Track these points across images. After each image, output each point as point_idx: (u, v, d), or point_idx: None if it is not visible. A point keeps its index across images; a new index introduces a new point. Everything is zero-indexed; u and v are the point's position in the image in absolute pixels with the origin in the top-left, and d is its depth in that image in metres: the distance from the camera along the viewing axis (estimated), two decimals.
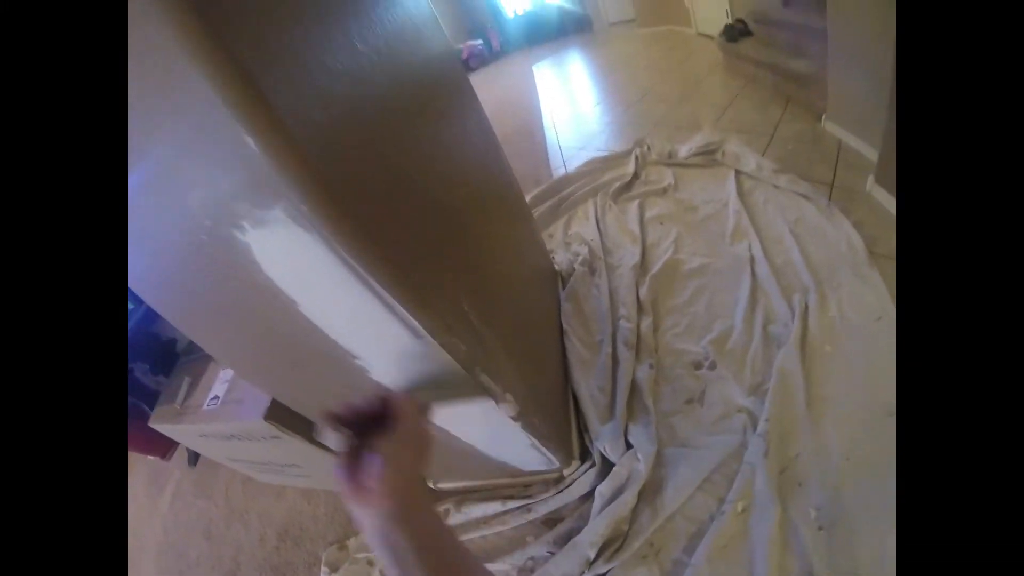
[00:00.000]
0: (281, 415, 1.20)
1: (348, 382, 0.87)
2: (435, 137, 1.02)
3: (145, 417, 1.75)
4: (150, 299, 0.88)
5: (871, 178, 1.81)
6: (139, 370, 2.25)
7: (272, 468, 1.65)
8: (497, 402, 0.90)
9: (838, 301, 1.45)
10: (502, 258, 1.31)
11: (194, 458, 2.40)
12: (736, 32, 3.68)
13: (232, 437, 1.40)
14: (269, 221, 0.55)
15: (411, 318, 0.67)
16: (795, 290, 1.52)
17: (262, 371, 1.06)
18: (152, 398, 1.88)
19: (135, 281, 0.82)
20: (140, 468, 2.66)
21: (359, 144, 0.66)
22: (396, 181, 0.75)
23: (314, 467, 1.49)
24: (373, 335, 0.74)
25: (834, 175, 1.99)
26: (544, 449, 1.15)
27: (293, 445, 1.28)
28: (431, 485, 1.51)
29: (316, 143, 0.54)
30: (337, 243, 0.56)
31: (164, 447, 2.55)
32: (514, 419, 0.97)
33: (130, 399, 2.17)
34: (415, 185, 0.83)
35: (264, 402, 1.21)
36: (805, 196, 1.88)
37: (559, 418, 1.32)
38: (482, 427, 1.06)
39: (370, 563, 1.45)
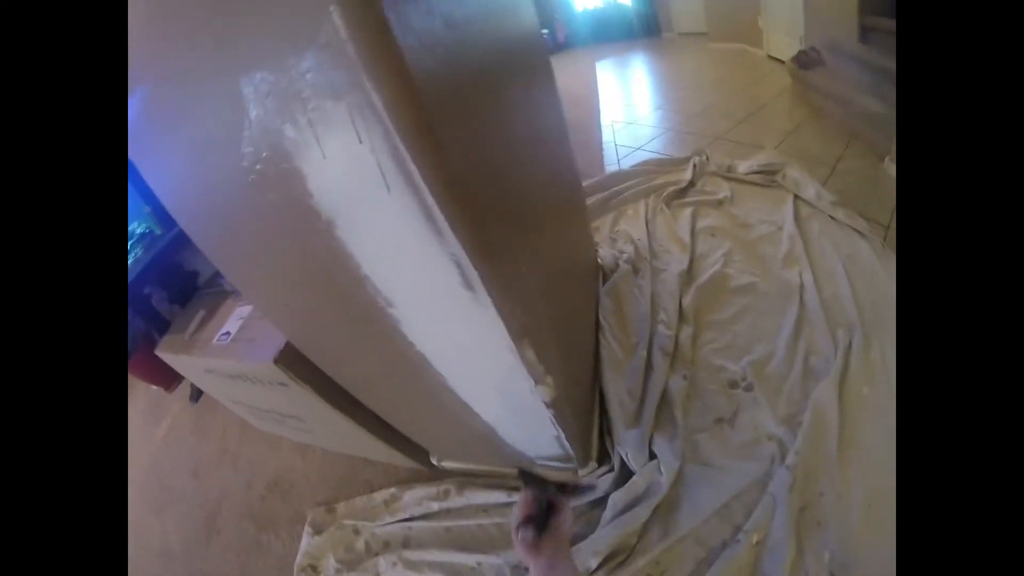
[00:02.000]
0: (293, 362, 1.14)
1: (381, 336, 0.84)
2: (519, 107, 1.00)
3: (154, 344, 1.75)
4: (184, 221, 0.86)
5: None
6: (156, 297, 2.30)
7: (272, 417, 1.62)
8: (536, 383, 0.85)
9: (881, 345, 1.40)
10: (558, 241, 1.28)
11: (196, 395, 2.42)
12: (809, 59, 3.58)
13: (237, 377, 1.35)
14: (331, 120, 0.52)
15: (471, 264, 0.63)
16: (840, 325, 1.48)
17: (287, 308, 1.01)
18: (165, 326, 1.89)
19: (169, 199, 0.81)
20: (141, 396, 2.67)
21: (453, 88, 0.63)
22: (481, 136, 0.73)
23: (316, 423, 1.46)
24: (421, 277, 0.70)
25: (891, 218, 1.92)
26: (567, 444, 1.10)
27: (299, 395, 1.23)
28: (434, 461, 1.48)
29: (414, 57, 0.50)
30: (409, 158, 0.53)
31: (168, 378, 2.56)
32: (548, 405, 0.92)
33: (142, 325, 2.23)
34: (497, 145, 0.81)
35: (277, 345, 1.14)
36: (861, 233, 1.82)
37: (583, 415, 1.28)
38: (508, 408, 1.01)
39: (356, 532, 1.44)
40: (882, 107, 2.54)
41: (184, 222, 0.86)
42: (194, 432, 2.27)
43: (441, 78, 0.58)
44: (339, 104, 0.50)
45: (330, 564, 1.39)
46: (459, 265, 0.64)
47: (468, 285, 0.66)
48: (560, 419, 0.99)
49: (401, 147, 0.51)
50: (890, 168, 2.25)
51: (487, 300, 0.68)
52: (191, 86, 0.59)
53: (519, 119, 1.00)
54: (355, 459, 1.70)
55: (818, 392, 1.30)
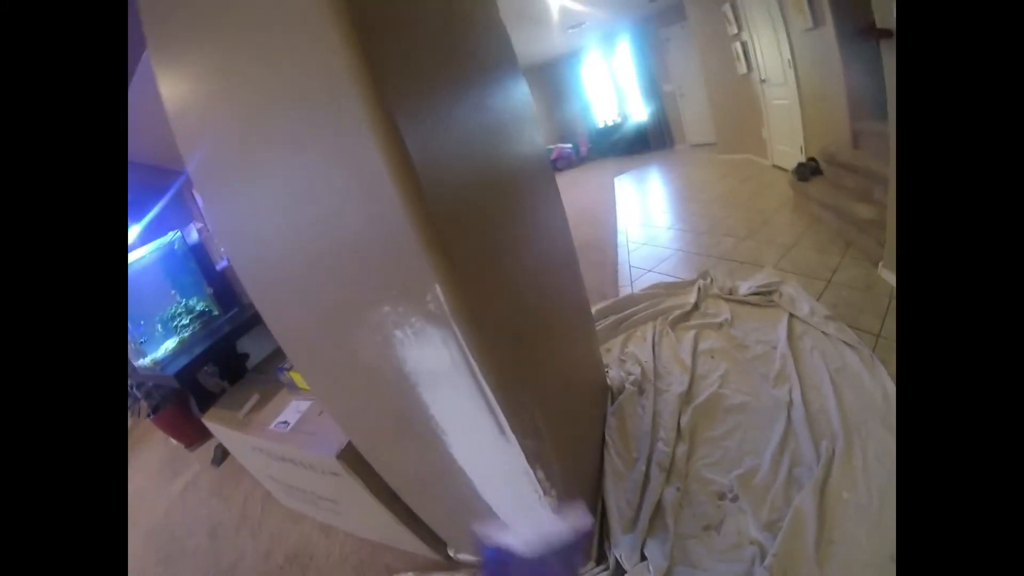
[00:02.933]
0: (351, 458, 1.38)
1: (432, 451, 1.14)
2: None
3: (186, 404, 1.96)
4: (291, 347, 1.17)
5: None
6: (208, 369, 2.47)
7: (306, 496, 1.78)
8: (544, 495, 1.14)
9: (863, 451, 1.55)
10: (565, 365, 1.55)
11: (219, 459, 2.54)
12: (807, 171, 3.80)
13: (288, 461, 1.56)
14: (428, 335, 0.89)
15: (505, 421, 0.98)
16: (824, 437, 1.63)
17: (355, 417, 1.29)
18: (203, 395, 2.13)
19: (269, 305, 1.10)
20: (159, 449, 2.81)
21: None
22: (517, 327, 1.11)
23: (352, 508, 1.63)
24: (469, 421, 1.03)
25: (882, 325, 2.10)
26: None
27: (347, 485, 1.45)
28: (451, 553, 1.65)
29: (480, 311, 0.88)
30: (476, 366, 0.90)
31: (192, 437, 2.74)
32: (554, 512, 1.19)
33: (179, 388, 2.31)
34: (528, 320, 1.19)
35: (339, 443, 1.39)
36: (850, 345, 2.00)
37: None
38: (521, 511, 1.26)
39: None
40: (872, 213, 2.73)
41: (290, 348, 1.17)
42: (214, 494, 2.35)
43: (496, 316, 0.97)
44: (434, 329, 0.87)
45: None
46: (496, 420, 0.99)
47: (500, 431, 1.01)
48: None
49: (471, 359, 0.89)
50: (883, 273, 2.44)
51: (513, 440, 1.02)
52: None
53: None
54: (376, 544, 1.81)
55: (799, 499, 1.43)
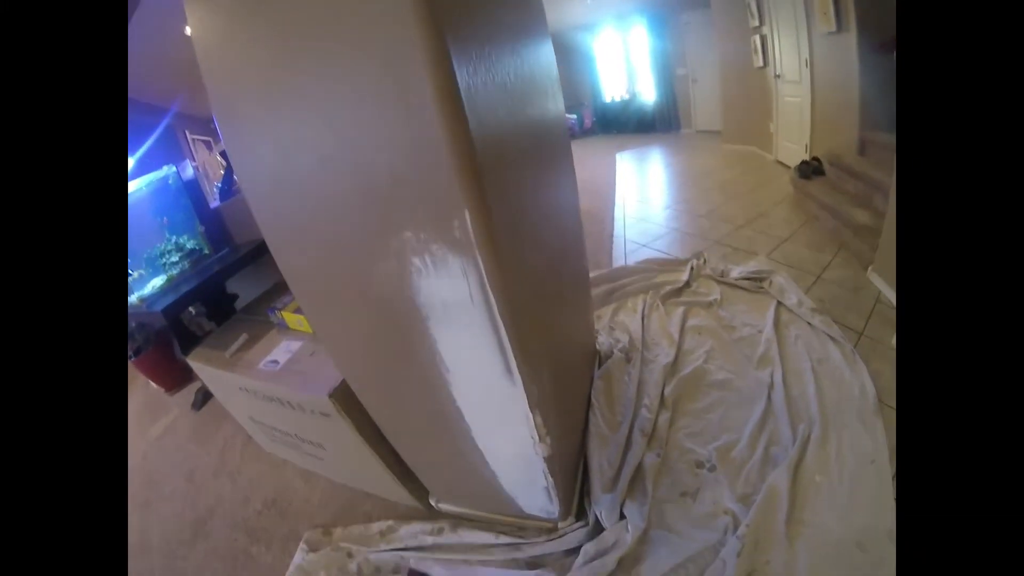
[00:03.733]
0: (343, 397, 1.35)
1: (431, 391, 1.15)
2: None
3: (169, 348, 1.90)
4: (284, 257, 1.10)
5: None
6: (193, 309, 2.42)
7: (289, 440, 1.76)
8: (539, 441, 1.15)
9: (838, 439, 1.59)
10: (566, 325, 1.56)
11: (200, 403, 2.52)
12: (810, 170, 3.86)
13: (276, 400, 1.52)
14: (447, 263, 0.88)
15: (513, 360, 0.99)
16: (802, 421, 1.67)
17: (354, 353, 1.24)
18: (187, 336, 2.10)
19: (277, 232, 1.05)
20: (139, 393, 2.77)
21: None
22: (531, 263, 1.10)
23: (337, 452, 1.62)
24: (477, 359, 1.03)
25: (865, 325, 2.15)
26: (553, 496, 1.36)
27: (336, 426, 1.42)
28: (433, 503, 1.66)
29: (502, 243, 0.87)
30: (491, 294, 0.90)
31: (172, 381, 2.71)
32: (545, 460, 1.21)
33: (163, 328, 2.35)
34: (539, 259, 1.18)
35: (331, 382, 1.35)
36: (834, 339, 2.04)
37: (569, 476, 1.52)
38: (514, 459, 1.28)
39: (350, 555, 1.57)
40: (870, 219, 2.79)
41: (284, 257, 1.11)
42: (193, 439, 2.33)
43: (517, 256, 0.97)
44: (456, 258, 0.87)
45: None
46: (505, 359, 1.00)
47: (508, 371, 1.02)
48: (551, 473, 1.27)
49: (489, 292, 0.90)
50: (872, 277, 2.49)
51: (519, 382, 1.03)
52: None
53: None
54: (356, 492, 1.82)
55: (773, 476, 1.47)
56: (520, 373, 1.01)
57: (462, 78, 0.74)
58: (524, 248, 1.06)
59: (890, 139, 3.32)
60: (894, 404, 1.69)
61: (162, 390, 2.80)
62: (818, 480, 1.49)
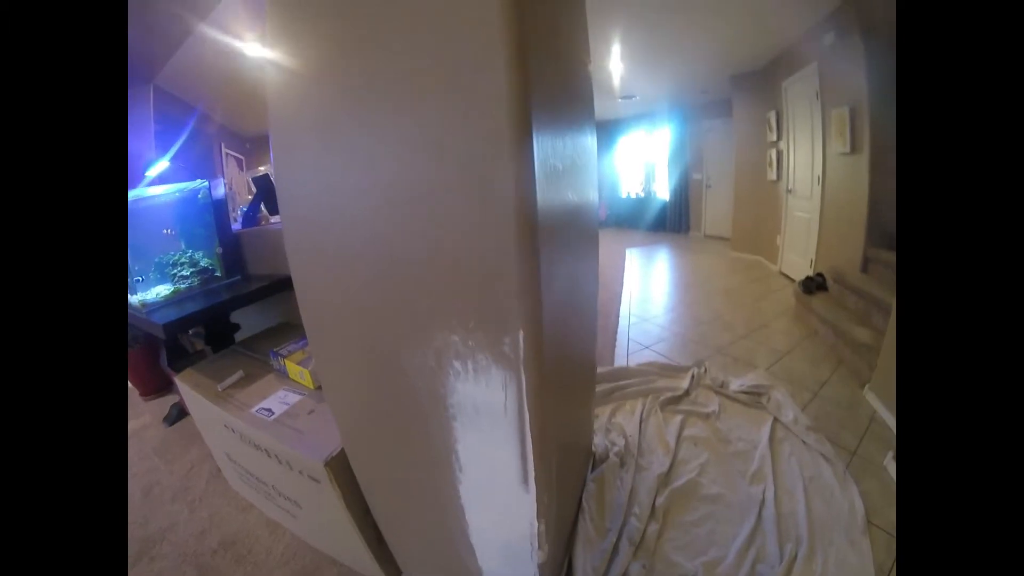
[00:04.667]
0: (338, 468, 1.32)
1: (437, 483, 1.17)
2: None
3: (154, 351, 1.82)
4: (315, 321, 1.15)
5: (890, 454, 2.05)
6: (192, 329, 2.35)
7: (263, 489, 1.68)
8: (538, 548, 1.17)
9: (824, 558, 1.60)
10: (572, 422, 1.58)
11: (173, 419, 2.41)
12: (813, 286, 3.96)
13: (260, 449, 1.46)
14: (489, 373, 0.91)
15: (531, 473, 1.01)
16: (790, 539, 1.69)
17: (362, 426, 1.24)
18: (177, 349, 2.02)
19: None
20: None
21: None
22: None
23: (314, 515, 1.55)
24: (494, 464, 1.04)
25: (859, 444, 2.19)
26: None
27: (322, 493, 1.37)
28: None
29: (546, 367, 0.90)
30: (528, 416, 0.92)
31: (151, 387, 2.61)
32: (539, 567, 1.23)
33: (151, 335, 2.16)
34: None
35: (329, 449, 1.32)
36: (827, 458, 2.08)
37: None
38: (504, 560, 1.29)
39: None
40: (869, 337, 2.86)
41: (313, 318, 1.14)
42: (159, 454, 2.22)
43: (553, 364, 0.99)
44: (499, 371, 0.89)
45: None
46: (524, 468, 1.00)
47: (524, 480, 1.02)
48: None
49: (525, 405, 0.90)
50: (869, 396, 2.54)
51: (532, 490, 1.03)
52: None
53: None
54: (321, 555, 1.71)
55: None
56: (535, 483, 1.02)
57: (539, 167, 0.77)
58: (563, 361, 1.11)
59: (892, 257, 3.44)
60: (881, 524, 1.73)
61: (137, 393, 2.71)
62: None
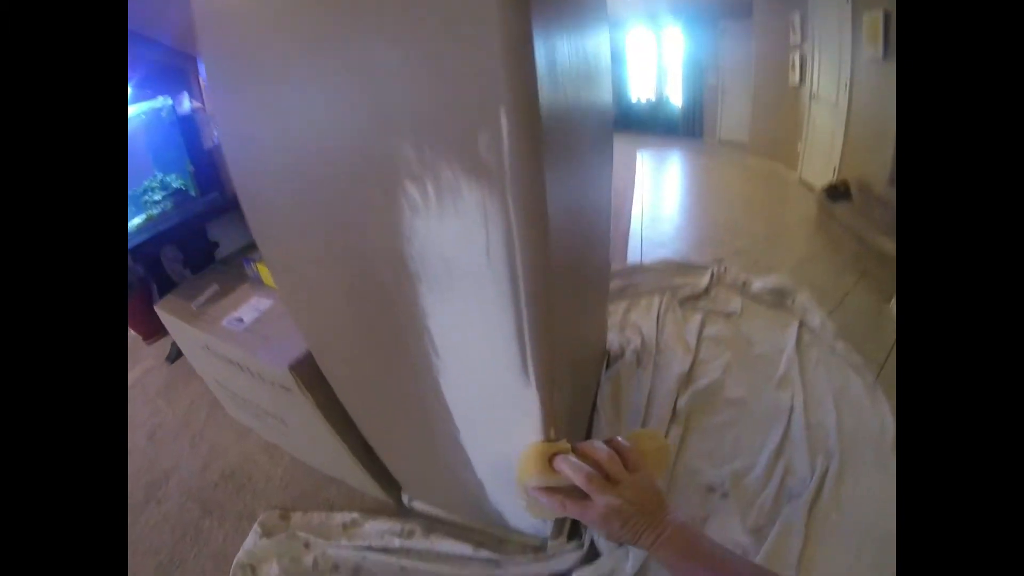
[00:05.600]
0: (305, 371, 1.16)
1: (412, 377, 0.91)
2: (586, 171, 1.06)
3: (148, 295, 1.76)
4: (249, 190, 0.83)
5: None
6: (170, 253, 2.29)
7: (252, 409, 1.61)
8: None
9: (856, 476, 1.48)
10: (582, 321, 1.35)
11: (175, 356, 2.40)
12: (838, 193, 3.78)
13: (235, 364, 1.35)
14: (462, 197, 0.60)
15: (534, 353, 0.73)
16: (820, 452, 1.55)
17: (322, 319, 0.99)
18: (165, 282, 1.98)
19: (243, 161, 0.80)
20: None
21: (563, 189, 0.73)
22: (567, 228, 0.82)
23: (300, 431, 1.46)
24: (481, 345, 0.77)
25: (887, 358, 2.01)
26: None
27: (297, 402, 1.24)
28: (405, 499, 1.49)
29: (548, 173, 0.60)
30: (519, 246, 0.62)
31: (151, 330, 2.57)
32: None
33: (142, 273, 2.24)
34: (575, 232, 0.93)
35: (295, 352, 1.16)
36: (855, 368, 1.91)
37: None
38: (506, 472, 1.03)
39: (307, 546, 1.42)
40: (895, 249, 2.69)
41: (248, 191, 0.83)
42: (162, 394, 2.22)
43: (559, 204, 0.70)
44: (474, 190, 0.59)
45: (272, 570, 1.36)
46: (521, 350, 0.73)
47: (523, 368, 0.75)
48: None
49: (516, 243, 0.61)
50: (893, 311, 2.34)
51: (534, 383, 0.77)
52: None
53: (585, 184, 1.06)
54: (321, 475, 1.68)
55: (789, 510, 1.36)
56: (538, 372, 0.75)
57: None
58: (568, 218, 0.82)
59: None
60: None
61: (140, 337, 2.66)
62: (834, 518, 1.38)
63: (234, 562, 1.40)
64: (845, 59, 4.04)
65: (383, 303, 0.80)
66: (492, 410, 0.88)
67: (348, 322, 0.93)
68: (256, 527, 1.48)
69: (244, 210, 0.85)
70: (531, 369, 0.75)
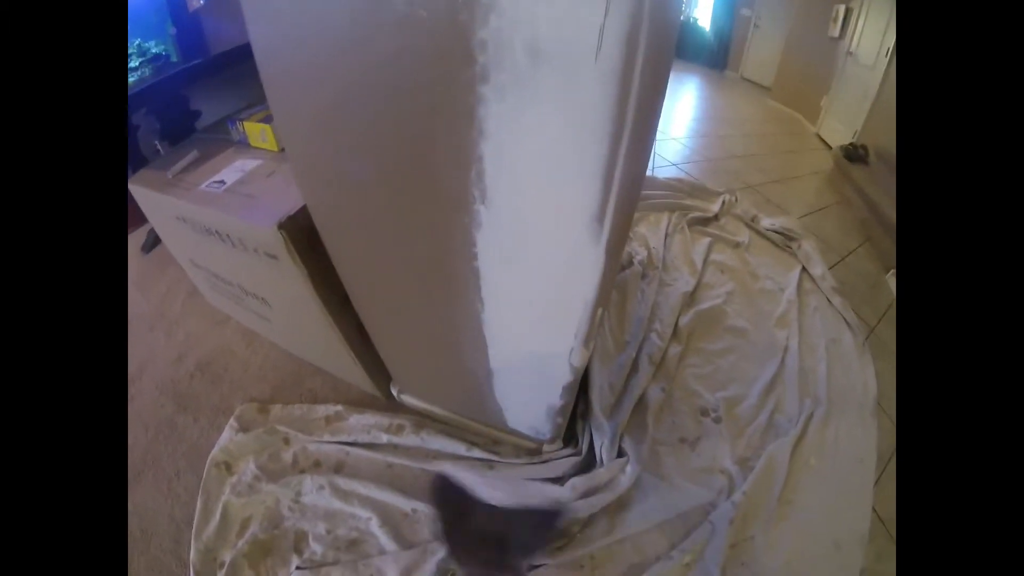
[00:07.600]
0: (297, 234, 0.95)
1: (442, 232, 0.73)
2: None
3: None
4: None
5: None
6: (146, 125, 2.03)
7: (231, 292, 1.46)
8: (582, 344, 0.81)
9: (837, 427, 1.47)
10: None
11: (150, 245, 2.26)
12: (856, 155, 3.70)
13: (215, 234, 1.15)
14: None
15: (614, 197, 0.57)
16: (809, 396, 1.55)
17: (329, 162, 0.74)
18: (140, 160, 1.76)
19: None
20: None
21: None
22: None
23: (283, 312, 1.31)
24: (548, 184, 0.59)
25: (877, 322, 2.03)
26: (553, 416, 1.10)
27: (283, 275, 1.05)
28: (394, 392, 1.38)
29: None
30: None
31: (130, 219, 2.42)
32: (573, 368, 0.89)
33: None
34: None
35: (285, 210, 0.96)
36: (849, 324, 1.90)
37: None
38: (525, 361, 0.94)
39: (286, 441, 1.31)
40: None
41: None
42: (136, 285, 2.08)
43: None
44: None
45: (249, 468, 1.25)
46: (605, 188, 0.56)
47: (598, 218, 0.59)
48: (570, 387, 0.97)
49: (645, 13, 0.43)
50: (890, 281, 2.32)
51: (603, 242, 0.61)
52: None
53: None
54: (304, 364, 1.59)
55: (775, 446, 1.35)
56: (610, 229, 0.60)
57: None
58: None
59: None
60: (887, 409, 1.60)
61: None
62: (813, 463, 1.37)
63: (208, 459, 1.29)
64: (893, 24, 3.82)
65: (420, 132, 0.60)
66: (536, 274, 0.72)
67: (363, 166, 0.70)
68: (232, 421, 1.38)
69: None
70: (606, 221, 0.59)
